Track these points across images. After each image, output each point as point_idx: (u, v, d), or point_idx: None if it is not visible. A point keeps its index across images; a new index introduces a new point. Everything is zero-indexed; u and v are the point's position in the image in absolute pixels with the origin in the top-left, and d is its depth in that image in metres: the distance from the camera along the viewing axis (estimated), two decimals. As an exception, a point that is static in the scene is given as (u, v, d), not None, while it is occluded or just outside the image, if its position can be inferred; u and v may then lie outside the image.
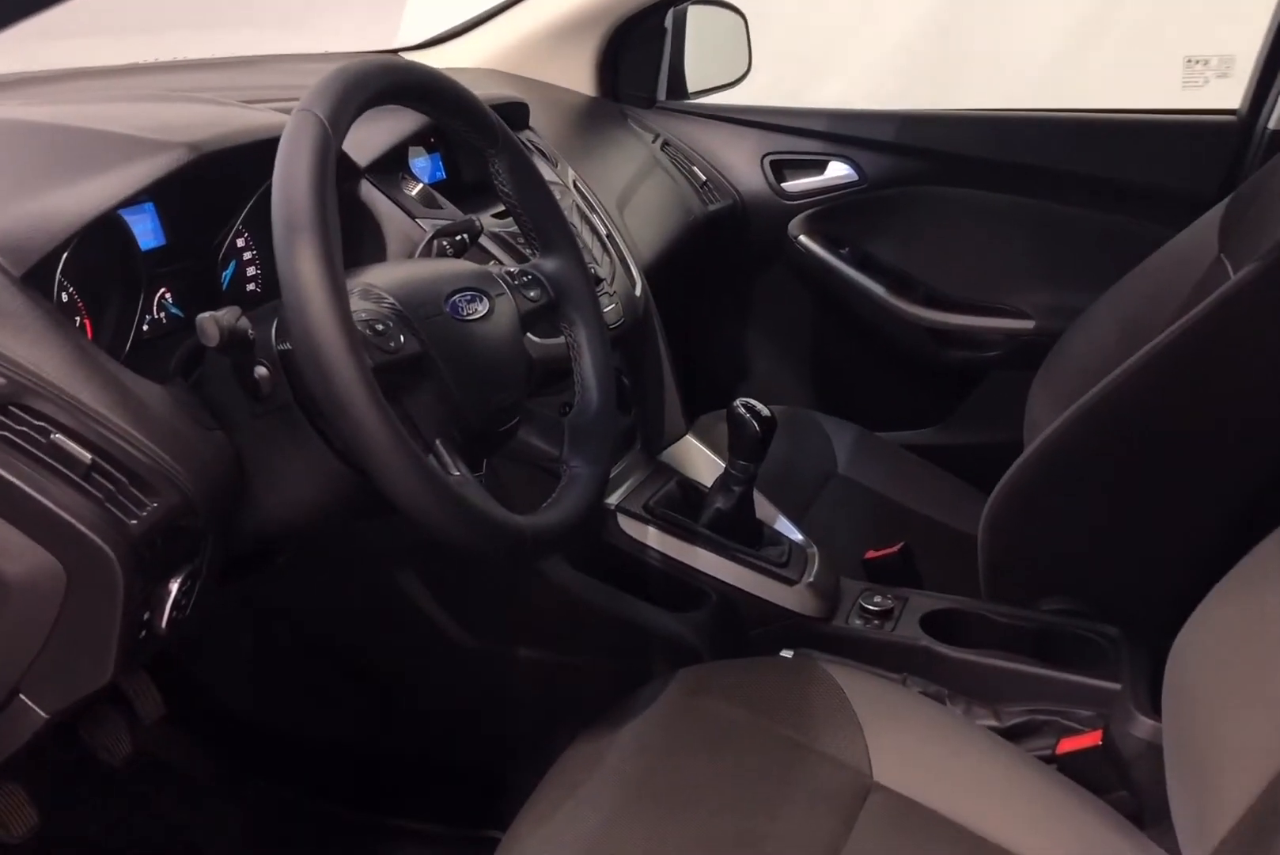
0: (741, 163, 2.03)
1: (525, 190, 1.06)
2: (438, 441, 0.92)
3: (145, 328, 1.04)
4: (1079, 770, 1.16)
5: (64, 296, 0.96)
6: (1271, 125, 1.78)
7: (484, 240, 1.22)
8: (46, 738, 0.88)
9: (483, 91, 1.70)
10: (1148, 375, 1.29)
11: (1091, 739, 1.17)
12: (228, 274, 1.12)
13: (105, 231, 0.95)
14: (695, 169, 1.95)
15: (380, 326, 0.88)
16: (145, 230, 1.04)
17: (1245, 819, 0.86)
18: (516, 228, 1.14)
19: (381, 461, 0.81)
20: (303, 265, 0.80)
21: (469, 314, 0.96)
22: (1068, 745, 1.19)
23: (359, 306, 0.89)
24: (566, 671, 1.37)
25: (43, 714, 0.83)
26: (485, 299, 0.98)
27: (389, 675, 1.45)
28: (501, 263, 1.22)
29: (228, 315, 0.84)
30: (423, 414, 0.92)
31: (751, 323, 2.17)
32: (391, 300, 0.91)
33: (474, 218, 1.12)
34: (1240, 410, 1.29)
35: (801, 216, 2.04)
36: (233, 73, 1.53)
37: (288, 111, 0.92)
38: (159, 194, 1.04)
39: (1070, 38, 2.74)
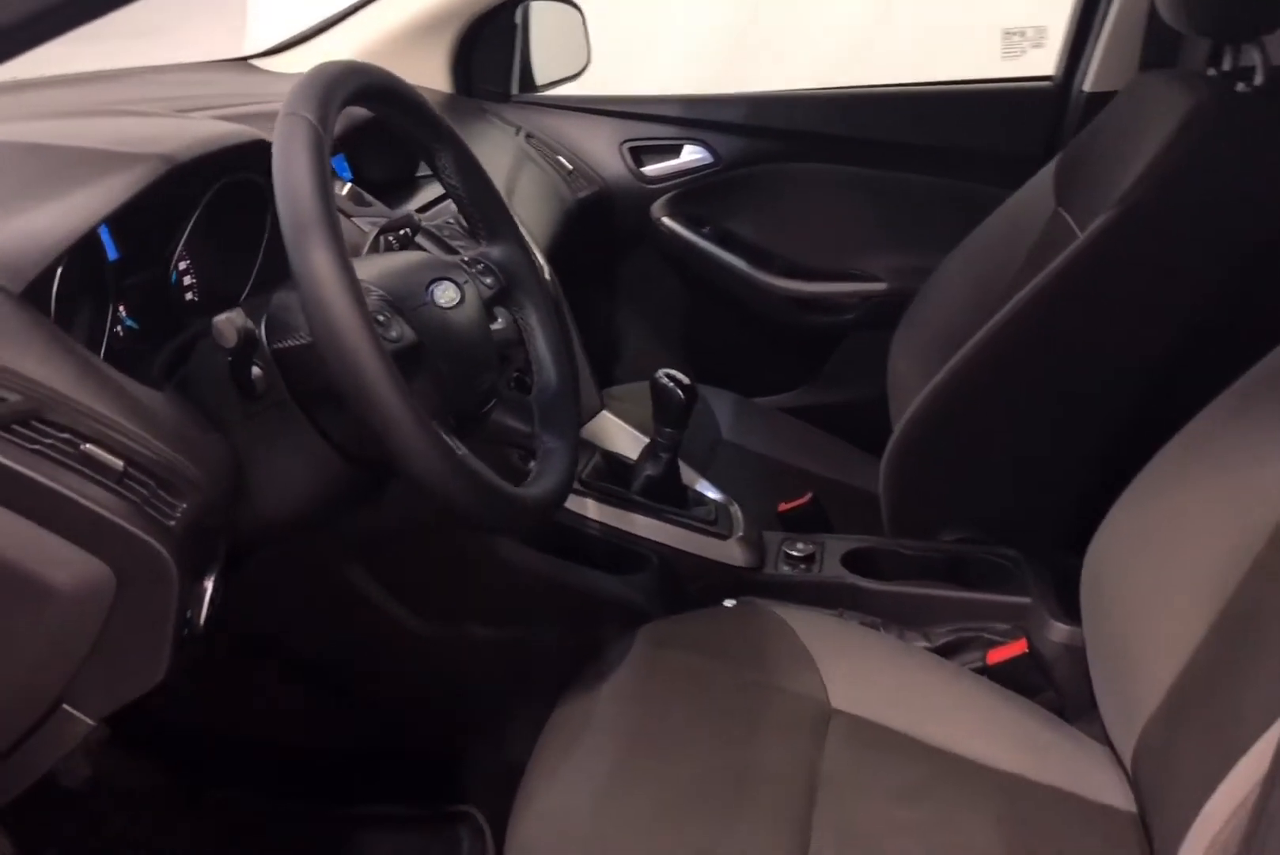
0: (602, 151, 2.11)
1: (470, 182, 1.11)
2: (434, 425, 0.97)
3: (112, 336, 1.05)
4: (1009, 677, 1.30)
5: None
6: (1087, 88, 1.96)
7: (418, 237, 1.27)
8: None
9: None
10: (1019, 323, 1.44)
11: (1018, 648, 1.31)
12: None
13: (86, 243, 0.96)
14: (560, 158, 2.01)
15: (381, 318, 0.93)
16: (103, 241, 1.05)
17: (1167, 700, 1.00)
18: (440, 222, 1.19)
19: (409, 444, 0.86)
20: (318, 260, 0.84)
21: (447, 302, 1.01)
22: (996, 656, 1.32)
23: None
24: (523, 646, 1.43)
25: (89, 721, 0.85)
26: (457, 286, 1.03)
27: (342, 670, 1.47)
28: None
29: (238, 316, 0.88)
30: (421, 400, 0.97)
31: (623, 303, 2.25)
32: (380, 292, 0.96)
33: (410, 212, 1.17)
34: (1104, 346, 1.45)
35: (663, 199, 2.13)
36: (112, 86, 1.52)
37: (229, 119, 0.95)
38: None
39: (894, 17, 2.89)
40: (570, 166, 2.02)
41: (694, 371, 2.21)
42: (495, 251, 1.14)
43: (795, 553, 1.48)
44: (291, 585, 1.37)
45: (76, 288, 0.98)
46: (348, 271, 0.85)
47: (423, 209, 1.33)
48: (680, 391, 1.40)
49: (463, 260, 1.10)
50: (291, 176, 0.86)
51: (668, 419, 1.42)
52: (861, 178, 2.10)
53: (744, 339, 2.25)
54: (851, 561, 1.49)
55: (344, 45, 1.93)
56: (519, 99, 2.11)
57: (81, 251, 0.96)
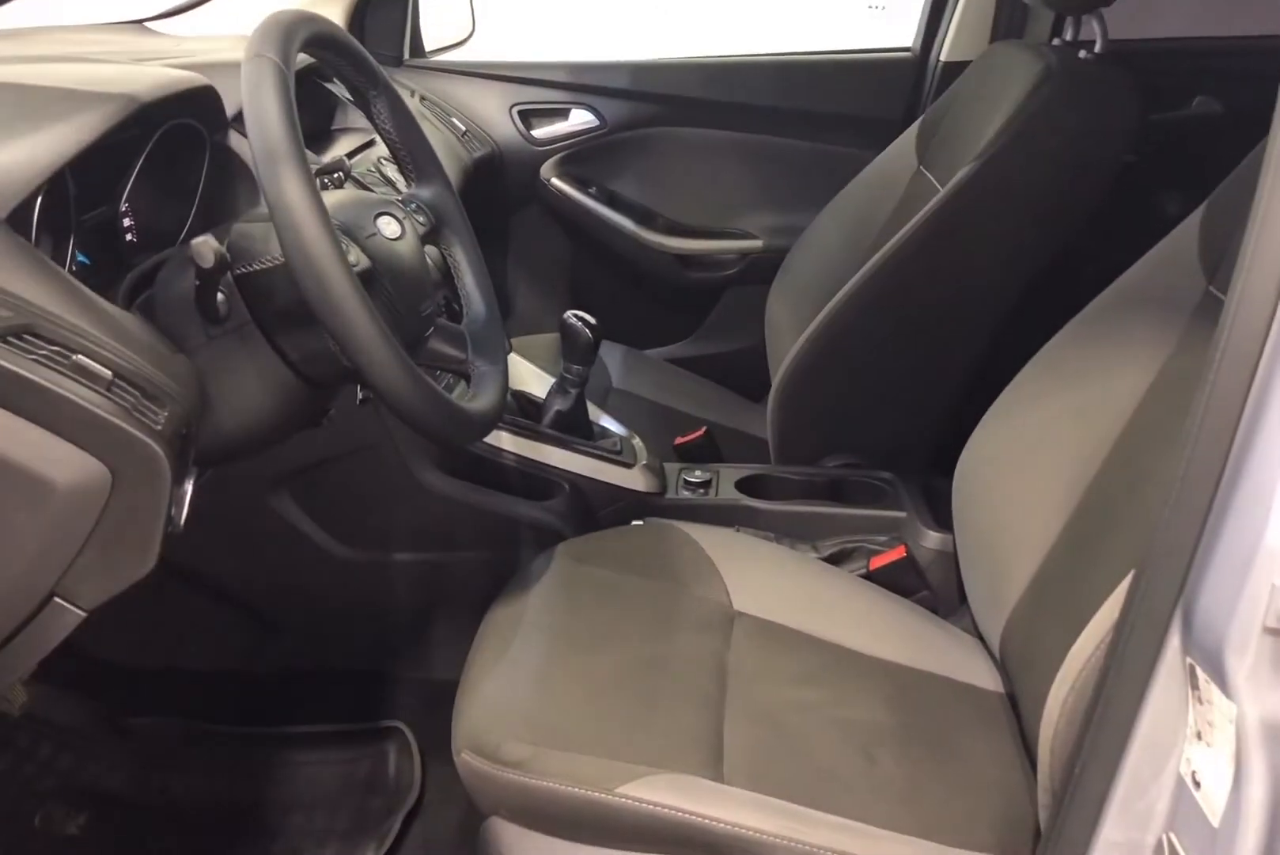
0: (493, 113, 2.19)
1: (403, 127, 1.19)
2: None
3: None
4: (889, 580, 1.45)
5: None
6: (943, 58, 2.12)
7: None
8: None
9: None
10: (888, 271, 1.59)
11: (896, 554, 1.46)
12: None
13: (55, 178, 1.02)
14: (454, 120, 2.08)
15: (342, 244, 1.01)
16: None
17: (1028, 590, 1.14)
18: (364, 169, 1.27)
19: (376, 358, 0.94)
20: (290, 189, 0.91)
21: (394, 232, 1.10)
22: (877, 562, 1.47)
23: None
24: (444, 568, 1.52)
25: (80, 612, 0.91)
26: (398, 222, 1.12)
27: (268, 596, 1.54)
28: None
29: (213, 240, 0.95)
30: None
31: (515, 260, 2.33)
32: (340, 221, 1.03)
33: (341, 157, 1.25)
34: (964, 289, 1.61)
35: (551, 161, 2.23)
36: (32, 41, 1.55)
37: (182, 67, 1.02)
38: None
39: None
40: (463, 128, 2.09)
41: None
42: (425, 192, 1.22)
43: (693, 480, 1.61)
44: (217, 512, 1.41)
45: (43, 220, 1.04)
46: (318, 199, 0.92)
47: (350, 155, 1.41)
48: (588, 330, 1.50)
49: (396, 199, 1.18)
50: (263, 112, 0.92)
51: (576, 356, 1.53)
52: (738, 141, 2.22)
53: (631, 294, 2.36)
54: (745, 486, 1.62)
55: (235, 11, 1.97)
56: (411, 63, 2.17)
57: (52, 185, 1.02)
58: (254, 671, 1.61)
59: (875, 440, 1.72)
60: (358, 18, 2.04)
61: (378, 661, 1.59)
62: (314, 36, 1.04)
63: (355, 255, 1.02)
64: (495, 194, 2.22)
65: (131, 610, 1.52)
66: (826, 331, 1.64)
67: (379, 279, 1.05)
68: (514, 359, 1.70)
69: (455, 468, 1.50)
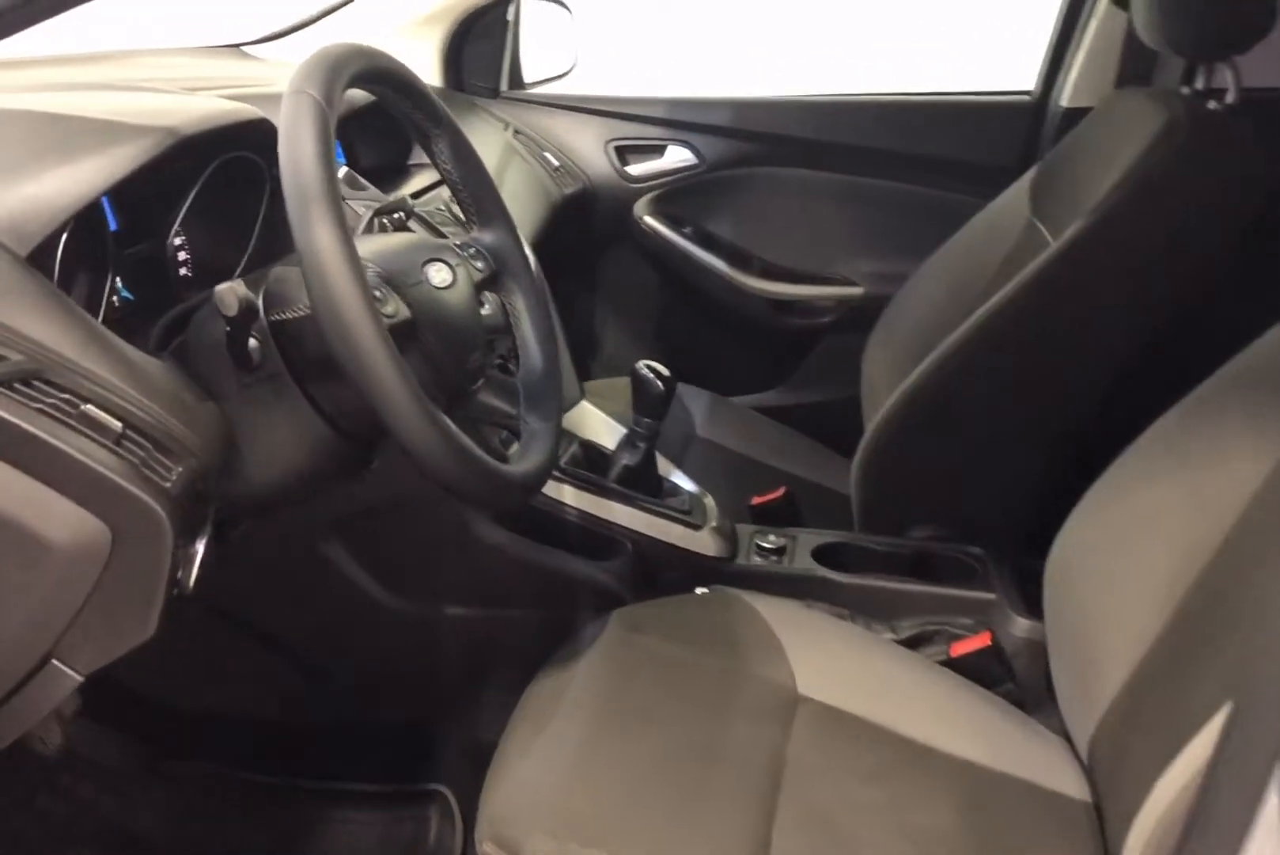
0: (587, 149, 2.13)
1: (465, 168, 1.13)
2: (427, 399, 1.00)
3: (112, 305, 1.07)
4: (971, 669, 1.33)
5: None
6: (1064, 103, 2.00)
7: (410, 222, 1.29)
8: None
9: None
10: (991, 328, 1.48)
11: (981, 641, 1.34)
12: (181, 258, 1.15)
13: (89, 212, 0.98)
14: (547, 155, 2.03)
15: (378, 293, 0.95)
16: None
17: (1122, 693, 1.03)
18: (432, 208, 1.21)
19: (403, 415, 0.88)
20: (320, 233, 0.85)
21: (443, 280, 1.03)
22: (959, 649, 1.35)
23: None
24: (496, 625, 1.45)
25: (77, 676, 0.86)
26: (450, 268, 1.06)
27: (315, 644, 1.48)
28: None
29: (239, 286, 0.90)
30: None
31: (604, 299, 2.28)
32: (377, 268, 0.98)
33: (404, 196, 1.19)
34: (1072, 351, 1.49)
35: (645, 198, 2.16)
36: (115, 65, 1.54)
37: (236, 99, 0.97)
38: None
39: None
40: (556, 163, 2.04)
41: (671, 369, 2.26)
42: (486, 237, 1.16)
43: (767, 545, 1.51)
44: (268, 558, 1.37)
45: (77, 255, 1.00)
46: (349, 245, 0.86)
47: (415, 195, 1.35)
48: (660, 382, 1.42)
49: (454, 244, 1.12)
50: (297, 152, 0.87)
51: (647, 409, 1.45)
52: (842, 184, 2.14)
53: (721, 338, 2.28)
54: (821, 555, 1.52)
55: (335, 36, 1.96)
56: (508, 96, 2.13)
57: (84, 220, 0.98)
58: (299, 721, 1.55)
59: (966, 511, 1.60)
60: (455, 48, 2.01)
61: (424, 718, 1.52)
62: (366, 72, 0.98)
63: (394, 305, 0.96)
64: (586, 231, 2.17)
65: (178, 651, 1.48)
66: (922, 389, 1.54)
67: (420, 330, 0.99)
68: (585, 407, 1.62)
69: (512, 521, 1.43)
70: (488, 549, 1.41)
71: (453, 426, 0.93)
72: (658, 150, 2.15)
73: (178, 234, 1.18)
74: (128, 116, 0.98)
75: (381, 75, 1.02)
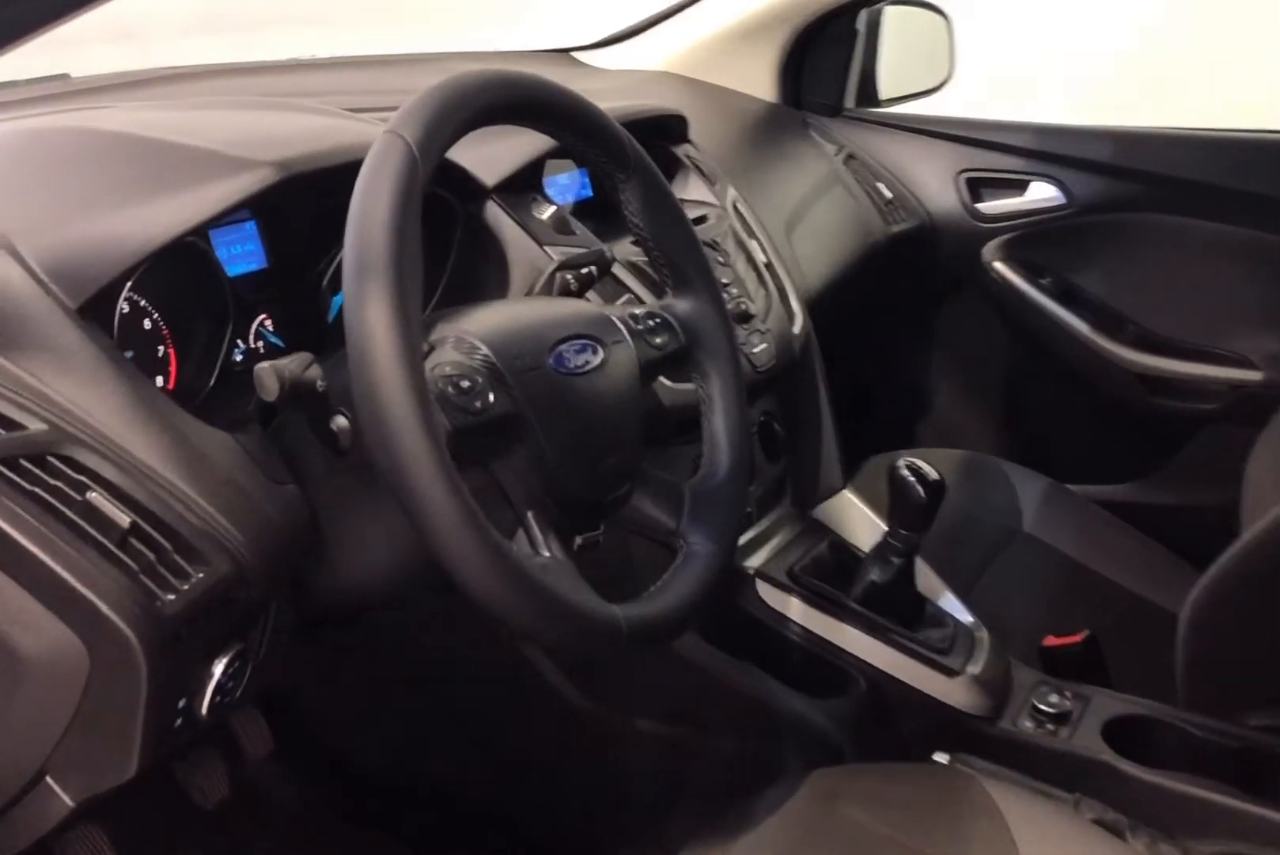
0: (933, 179, 1.86)
1: (659, 221, 0.92)
2: (530, 514, 0.81)
3: (239, 358, 0.95)
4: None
5: (146, 323, 0.88)
6: None
7: (619, 270, 1.09)
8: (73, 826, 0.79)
9: (644, 99, 1.59)
10: None
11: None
12: (336, 302, 1.02)
13: (192, 252, 0.87)
14: (880, 185, 1.78)
15: (466, 383, 0.76)
16: (245, 251, 0.96)
17: None
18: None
19: (446, 544, 0.71)
20: (371, 314, 0.69)
21: (577, 366, 0.83)
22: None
23: (446, 359, 0.78)
24: (689, 748, 1.25)
25: (69, 802, 0.75)
26: (598, 348, 0.86)
27: (501, 729, 1.35)
28: (637, 296, 1.09)
29: (294, 364, 0.74)
30: (514, 482, 0.80)
31: (934, 356, 2.00)
32: (485, 351, 0.79)
33: (604, 248, 0.99)
34: None
35: (998, 241, 1.85)
36: (375, 73, 1.45)
37: None
38: (261, 211, 0.95)
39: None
40: (889, 195, 1.78)
41: (1006, 445, 1.96)
42: (680, 305, 0.94)
43: (1046, 707, 1.20)
44: (460, 633, 1.25)
45: (188, 297, 0.89)
46: (405, 329, 0.70)
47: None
48: (921, 488, 1.14)
49: (631, 314, 0.91)
50: (368, 210, 0.71)
51: (905, 519, 1.18)
52: (1248, 240, 1.73)
53: (1071, 414, 1.93)
54: (1116, 732, 1.18)
55: (669, 43, 1.82)
56: (850, 114, 1.89)
57: (188, 258, 0.86)
58: (473, 804, 1.41)
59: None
60: (793, 60, 1.79)
61: (601, 829, 1.33)
62: (498, 106, 0.80)
63: (491, 398, 0.77)
64: (917, 275, 1.90)
65: (375, 708, 1.39)
66: None
67: (529, 427, 0.80)
68: (846, 499, 1.36)
69: (720, 633, 1.20)
70: (685, 663, 1.19)
71: (515, 556, 0.74)
72: (1018, 185, 1.83)
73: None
74: (234, 146, 0.84)
75: (528, 110, 0.84)
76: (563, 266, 0.96)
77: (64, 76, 1.35)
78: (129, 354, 0.86)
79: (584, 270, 0.97)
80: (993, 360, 1.96)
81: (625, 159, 0.89)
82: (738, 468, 0.93)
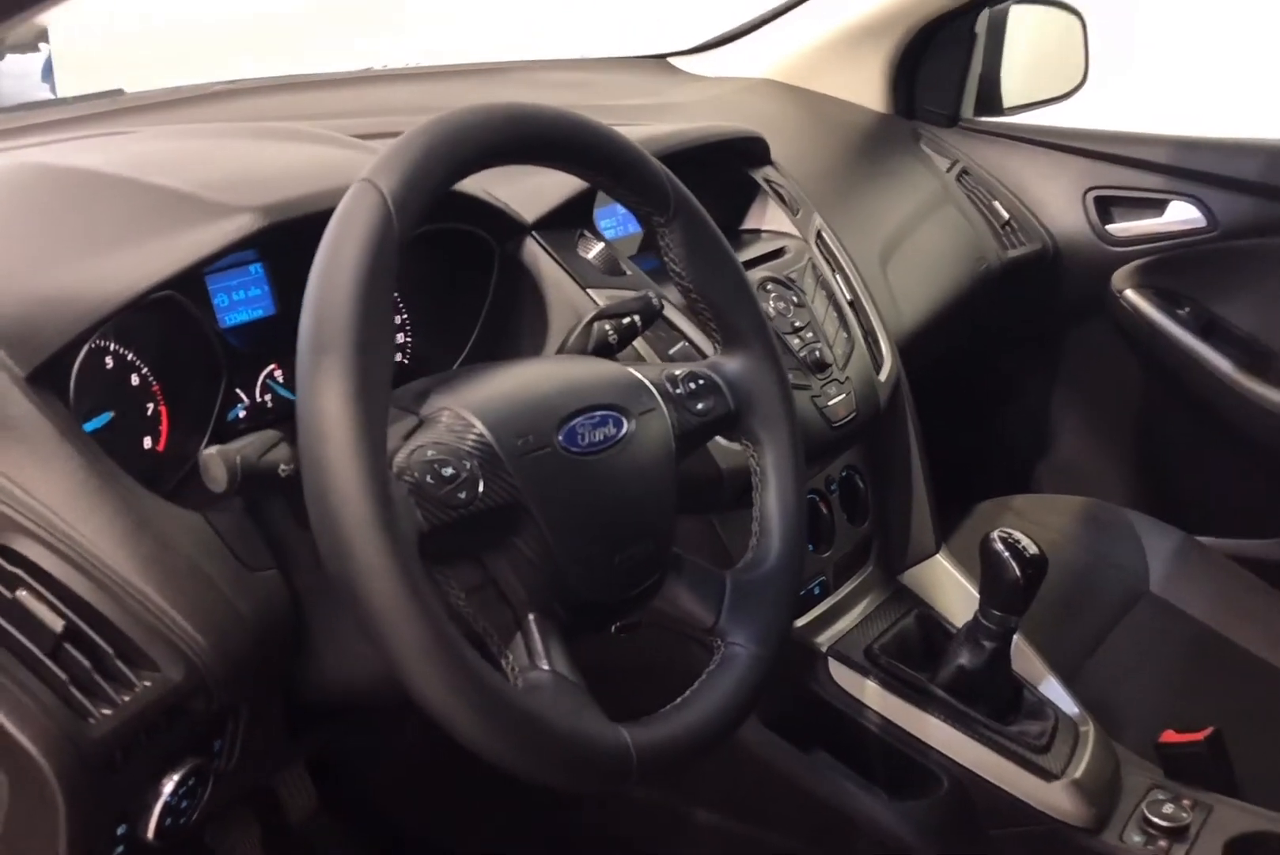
0: (1058, 198, 1.69)
1: (704, 270, 0.80)
2: (531, 617, 0.69)
3: (240, 414, 0.86)
4: None
5: (134, 379, 0.80)
6: None
7: (673, 314, 0.97)
8: None
9: (738, 110, 1.46)
10: None
11: None
12: None
13: (168, 304, 0.77)
14: (997, 204, 1.63)
15: (449, 471, 0.65)
16: (250, 297, 0.86)
17: None
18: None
19: (404, 666, 0.60)
20: (324, 403, 0.60)
21: (592, 444, 0.72)
22: None
23: (431, 439, 0.67)
24: (747, 845, 1.12)
25: None
26: (622, 421, 0.74)
27: (552, 806, 1.24)
28: (695, 345, 0.97)
29: (252, 447, 0.63)
30: (512, 582, 0.69)
31: (1055, 393, 1.83)
32: (480, 430, 0.68)
33: (652, 293, 0.87)
34: None
35: (1130, 267, 1.68)
36: (450, 84, 1.36)
37: None
38: (268, 253, 0.86)
39: None
40: (1006, 215, 1.63)
41: (1133, 493, 1.78)
42: (730, 364, 0.82)
43: (1159, 819, 1.04)
44: None
45: (181, 348, 0.81)
46: (362, 420, 0.59)
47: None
48: (1017, 565, 0.99)
49: (671, 375, 0.79)
50: (329, 272, 0.61)
51: (998, 599, 1.03)
52: None
53: (1208, 460, 1.76)
54: (1241, 851, 1.02)
55: (772, 48, 1.70)
56: (967, 125, 1.73)
57: (169, 312, 0.77)
58: None
59: None
60: (906, 66, 1.66)
61: None
62: (504, 145, 0.70)
63: (481, 487, 0.66)
64: (1038, 304, 1.74)
65: (421, 770, 1.30)
66: None
67: (527, 518, 0.68)
68: (938, 564, 1.22)
69: (785, 719, 1.07)
70: (744, 753, 1.07)
71: (497, 682, 0.63)
72: (1155, 205, 1.66)
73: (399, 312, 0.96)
74: (212, 190, 0.75)
75: (542, 148, 0.73)
76: (600, 316, 0.84)
77: (119, 92, 1.30)
78: (108, 415, 0.78)
79: (626, 320, 0.85)
80: (1121, 398, 1.79)
81: (664, 199, 0.77)
82: (789, 555, 0.80)
